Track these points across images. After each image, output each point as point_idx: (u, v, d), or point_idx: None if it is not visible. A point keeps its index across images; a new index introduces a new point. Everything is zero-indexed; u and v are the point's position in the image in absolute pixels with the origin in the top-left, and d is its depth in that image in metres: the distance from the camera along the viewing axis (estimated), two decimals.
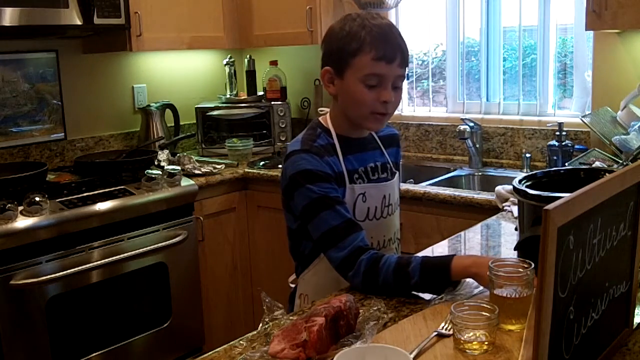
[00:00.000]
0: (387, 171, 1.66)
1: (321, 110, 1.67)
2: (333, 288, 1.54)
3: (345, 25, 1.50)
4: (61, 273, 2.35)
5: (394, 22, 3.35)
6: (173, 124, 3.40)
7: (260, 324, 1.24)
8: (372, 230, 1.59)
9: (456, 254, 1.41)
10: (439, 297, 1.38)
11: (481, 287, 1.38)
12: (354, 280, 1.45)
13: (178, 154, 3.07)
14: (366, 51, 1.47)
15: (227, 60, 3.52)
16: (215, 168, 3.00)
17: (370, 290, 1.43)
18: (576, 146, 2.68)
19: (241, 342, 1.22)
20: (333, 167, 1.53)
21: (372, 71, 1.48)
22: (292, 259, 1.71)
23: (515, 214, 1.95)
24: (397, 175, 1.69)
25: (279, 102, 3.41)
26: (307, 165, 1.50)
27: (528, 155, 2.82)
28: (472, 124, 2.95)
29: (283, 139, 3.38)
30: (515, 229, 1.73)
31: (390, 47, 1.48)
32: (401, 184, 2.63)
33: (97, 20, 2.73)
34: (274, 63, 3.48)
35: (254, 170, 3.03)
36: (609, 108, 2.60)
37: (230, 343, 1.22)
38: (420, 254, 1.72)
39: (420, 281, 1.37)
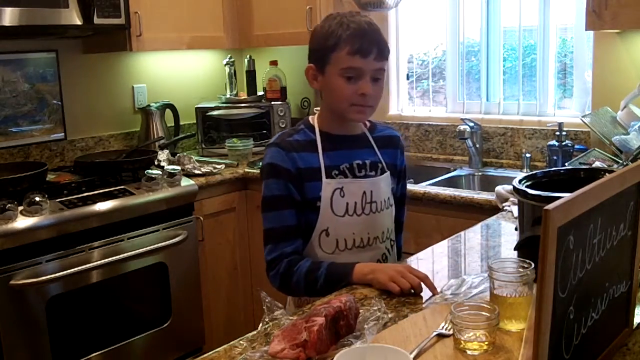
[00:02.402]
0: (376, 169, 1.67)
1: (317, 110, 1.71)
2: None
3: (326, 25, 1.60)
4: (61, 273, 2.35)
5: (394, 22, 3.35)
6: (173, 124, 3.40)
7: (260, 324, 1.25)
8: (354, 227, 1.62)
9: (359, 262, 1.53)
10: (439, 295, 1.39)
11: (481, 287, 1.39)
12: (273, 279, 1.60)
13: (178, 154, 3.07)
14: (342, 46, 1.55)
15: (227, 60, 3.52)
16: (215, 168, 3.00)
17: (284, 289, 1.61)
18: (576, 146, 2.68)
19: (241, 342, 1.21)
20: (297, 163, 1.59)
21: (348, 65, 1.55)
22: None
23: (515, 214, 1.95)
24: (386, 174, 1.68)
25: (279, 102, 3.41)
26: (271, 159, 1.61)
27: (528, 155, 2.82)
28: (472, 124, 2.95)
29: None
30: (515, 229, 1.73)
31: (366, 42, 1.55)
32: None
33: (97, 20, 2.72)
34: (274, 63, 3.48)
35: (254, 170, 3.03)
36: (609, 108, 2.60)
37: (230, 343, 1.22)
38: (420, 254, 1.74)
39: (325, 285, 1.51)
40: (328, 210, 1.59)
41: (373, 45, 1.55)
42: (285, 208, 1.59)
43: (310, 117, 1.70)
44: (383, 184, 1.67)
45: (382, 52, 1.57)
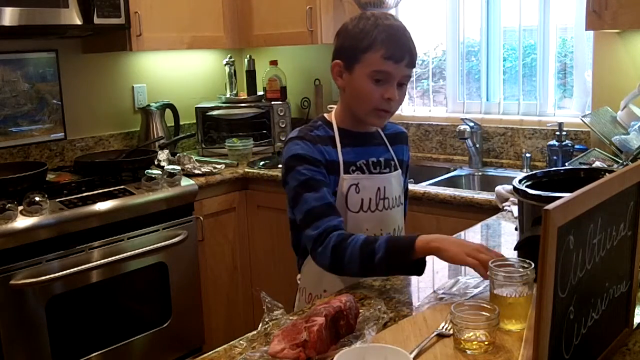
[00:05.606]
0: (390, 167, 1.69)
1: (330, 108, 1.74)
2: (326, 277, 1.57)
3: (360, 23, 1.57)
4: (61, 273, 2.35)
5: None
6: (173, 124, 3.40)
7: (260, 324, 1.25)
8: (368, 223, 1.62)
9: (422, 234, 1.41)
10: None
11: (481, 287, 1.39)
12: (322, 256, 1.47)
13: (178, 154, 3.07)
14: (377, 49, 1.53)
15: (227, 60, 3.52)
16: (215, 168, 3.00)
17: (336, 266, 1.46)
18: (576, 146, 2.68)
19: (241, 342, 1.22)
20: (325, 155, 1.58)
21: (380, 68, 1.54)
22: (295, 253, 1.73)
23: (515, 214, 1.95)
24: (398, 171, 1.70)
25: (279, 102, 3.41)
26: (299, 150, 1.57)
27: (528, 155, 2.82)
28: (472, 124, 2.95)
29: (283, 139, 3.38)
30: (515, 229, 1.73)
31: (400, 48, 1.54)
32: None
33: (97, 20, 2.73)
34: (274, 63, 3.48)
35: (254, 170, 3.03)
36: (609, 108, 2.60)
37: (230, 343, 1.22)
38: None
39: (385, 255, 1.39)
40: (343, 206, 1.59)
41: (406, 51, 1.55)
42: (323, 186, 1.54)
43: (326, 115, 1.70)
44: (394, 181, 1.69)
45: (413, 59, 1.58)
